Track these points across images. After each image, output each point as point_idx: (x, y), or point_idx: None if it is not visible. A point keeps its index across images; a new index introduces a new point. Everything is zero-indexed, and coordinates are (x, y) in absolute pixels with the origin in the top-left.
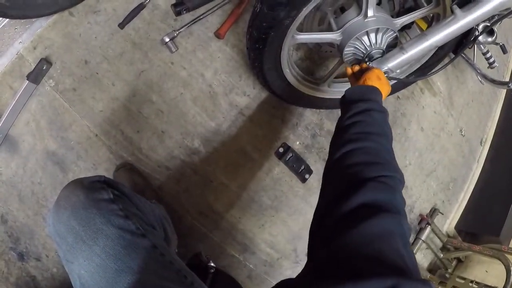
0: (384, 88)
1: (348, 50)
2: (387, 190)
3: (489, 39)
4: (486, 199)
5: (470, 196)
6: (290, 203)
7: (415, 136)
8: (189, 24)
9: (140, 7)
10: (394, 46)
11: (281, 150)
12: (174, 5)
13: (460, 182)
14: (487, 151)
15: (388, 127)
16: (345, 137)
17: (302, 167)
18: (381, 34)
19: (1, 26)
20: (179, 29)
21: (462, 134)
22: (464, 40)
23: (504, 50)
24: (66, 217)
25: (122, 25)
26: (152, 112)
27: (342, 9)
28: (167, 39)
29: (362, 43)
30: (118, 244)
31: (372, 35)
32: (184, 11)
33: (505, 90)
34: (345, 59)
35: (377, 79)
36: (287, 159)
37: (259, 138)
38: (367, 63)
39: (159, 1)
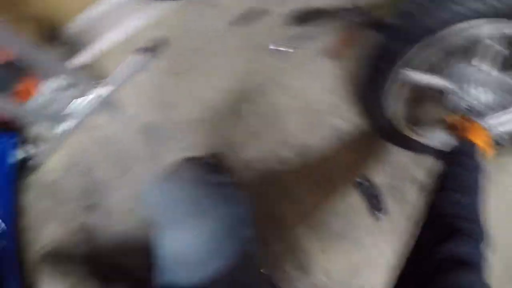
0: (488, 149)
1: (457, 100)
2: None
3: None
4: None
5: None
6: (358, 236)
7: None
8: (304, 37)
9: (263, 11)
10: None
11: (362, 181)
12: (294, 18)
13: None
14: None
15: (483, 183)
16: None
17: (378, 205)
18: (496, 95)
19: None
20: (294, 40)
21: None
22: None
23: None
24: (178, 190)
25: (239, 24)
26: (251, 111)
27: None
28: (280, 47)
29: (477, 99)
30: (221, 228)
31: (489, 94)
32: (302, 25)
33: None
34: (452, 108)
35: (480, 137)
36: (366, 192)
37: (347, 164)
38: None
39: (280, 10)
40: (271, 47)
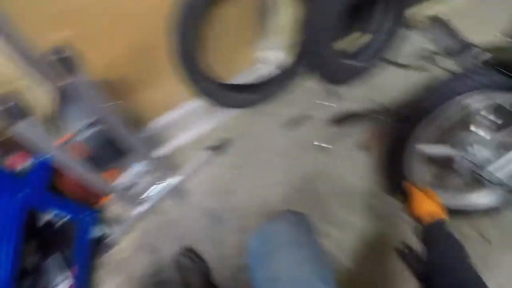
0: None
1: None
2: None
3: None
4: None
5: None
6: None
7: None
8: (341, 135)
9: (307, 116)
10: None
11: (403, 248)
12: (332, 120)
13: None
14: None
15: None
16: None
17: (418, 267)
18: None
19: (196, 107)
20: (333, 138)
21: None
22: None
23: None
24: (281, 227)
25: (289, 127)
26: (299, 197)
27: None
28: (322, 144)
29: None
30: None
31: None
32: (339, 125)
33: None
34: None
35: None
36: (408, 258)
37: (389, 235)
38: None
39: (321, 115)
40: (315, 143)
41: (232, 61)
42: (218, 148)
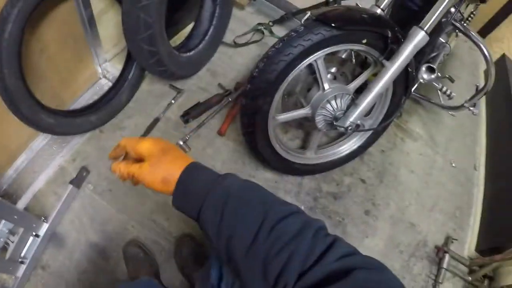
0: (176, 150)
1: (318, 118)
2: None
3: (432, 76)
4: (498, 213)
5: (481, 218)
6: None
7: (407, 179)
8: (196, 129)
9: (156, 120)
10: None
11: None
12: (182, 116)
13: (466, 208)
14: (483, 173)
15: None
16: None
17: None
18: (339, 99)
19: (43, 144)
20: (189, 134)
21: (453, 166)
22: (407, 83)
23: (451, 79)
24: None
25: (146, 136)
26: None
27: (309, 89)
28: (181, 142)
29: (327, 109)
30: None
31: (333, 102)
32: (191, 119)
33: (484, 116)
34: (319, 126)
35: (167, 153)
36: None
37: None
38: (334, 123)
39: (170, 114)
40: (175, 144)
41: (69, 82)
42: (79, 178)
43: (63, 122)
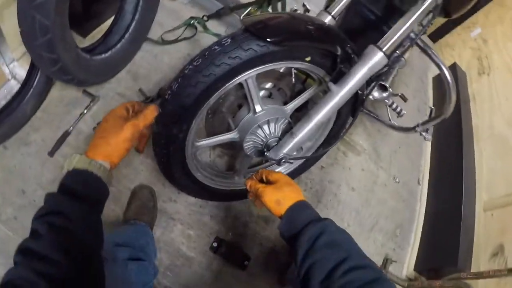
0: (297, 188)
1: (247, 145)
2: None
3: (384, 94)
4: (437, 232)
5: (422, 235)
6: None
7: (347, 197)
8: None
9: (66, 134)
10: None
11: (215, 244)
12: (94, 129)
13: (407, 225)
14: (426, 188)
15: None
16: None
17: (239, 255)
18: (273, 124)
19: None
20: None
21: (396, 181)
22: (355, 105)
23: (404, 98)
24: None
25: (51, 153)
26: None
27: (239, 106)
28: None
29: (258, 135)
30: None
31: (265, 127)
32: None
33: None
34: (248, 153)
35: (288, 186)
36: (222, 251)
37: (192, 237)
38: (265, 153)
39: (82, 126)
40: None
41: None
42: None
43: None
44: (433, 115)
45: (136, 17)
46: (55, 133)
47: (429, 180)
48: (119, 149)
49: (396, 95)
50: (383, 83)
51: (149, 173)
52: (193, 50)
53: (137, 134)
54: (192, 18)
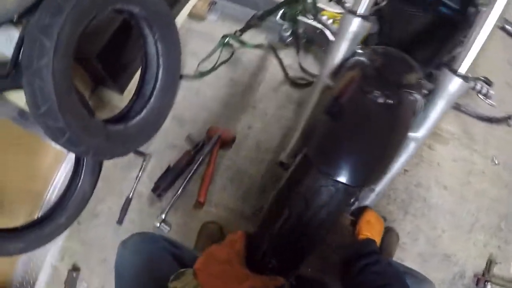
0: (377, 228)
1: None
2: None
3: None
4: None
5: None
6: None
7: (439, 200)
8: (173, 200)
9: (128, 201)
10: None
11: None
12: (153, 190)
13: None
14: None
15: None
16: None
17: None
18: None
19: None
20: (165, 210)
21: (496, 163)
22: None
23: (488, 82)
24: None
25: (120, 222)
26: None
27: None
28: (157, 224)
29: None
30: None
31: None
32: (163, 192)
33: None
34: None
35: (367, 225)
36: None
37: None
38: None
39: (141, 188)
40: (153, 226)
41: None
42: (72, 279)
43: (32, 238)
44: None
45: (160, 63)
46: (118, 199)
47: None
48: None
49: (478, 78)
50: None
51: None
52: (235, 71)
53: None
54: (224, 36)
